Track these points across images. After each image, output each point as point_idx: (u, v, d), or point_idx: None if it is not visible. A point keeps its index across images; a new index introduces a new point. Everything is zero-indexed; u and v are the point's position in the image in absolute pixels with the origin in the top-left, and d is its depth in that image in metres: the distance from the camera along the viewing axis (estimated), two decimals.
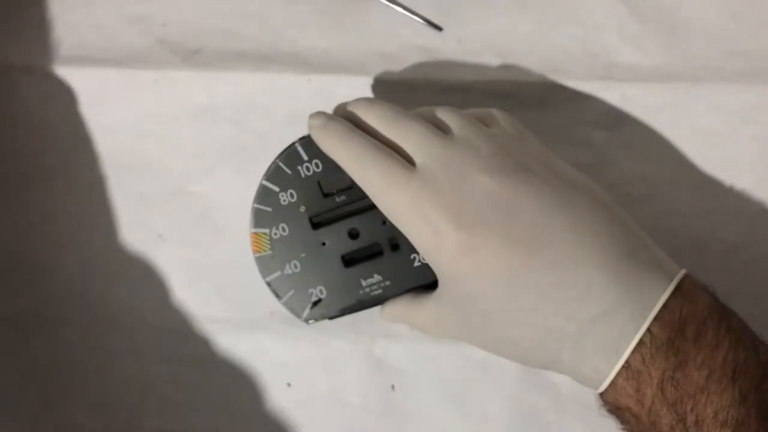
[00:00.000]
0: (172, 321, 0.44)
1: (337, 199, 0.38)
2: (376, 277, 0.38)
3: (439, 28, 0.42)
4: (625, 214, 0.35)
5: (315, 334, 0.43)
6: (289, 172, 0.38)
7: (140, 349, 0.44)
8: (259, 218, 0.38)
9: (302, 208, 0.38)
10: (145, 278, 0.44)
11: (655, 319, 0.31)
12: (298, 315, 0.39)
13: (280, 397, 0.43)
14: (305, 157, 0.38)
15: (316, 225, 0.38)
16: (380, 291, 0.38)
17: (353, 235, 0.38)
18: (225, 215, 0.43)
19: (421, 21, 0.41)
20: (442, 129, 0.35)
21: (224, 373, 0.43)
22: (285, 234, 0.38)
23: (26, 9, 0.44)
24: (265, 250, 0.38)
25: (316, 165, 0.38)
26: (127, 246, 0.44)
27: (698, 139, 0.42)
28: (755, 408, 0.30)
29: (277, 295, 0.39)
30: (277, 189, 0.38)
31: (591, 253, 0.32)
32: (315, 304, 0.38)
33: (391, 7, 0.42)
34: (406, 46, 0.42)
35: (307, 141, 0.38)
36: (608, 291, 0.31)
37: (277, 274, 0.38)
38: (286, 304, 0.39)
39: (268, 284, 0.39)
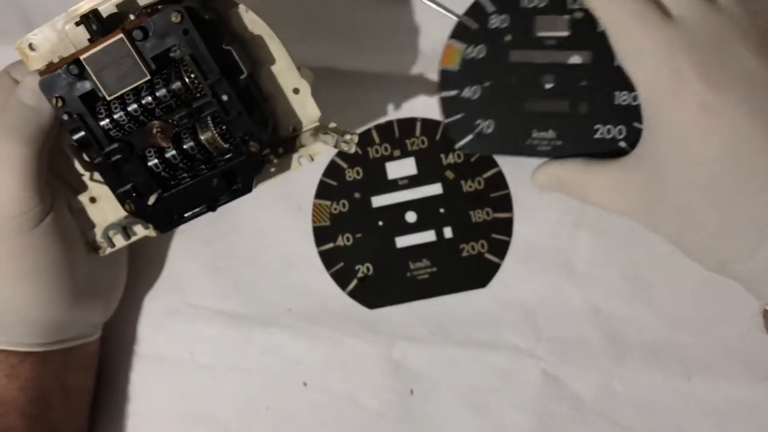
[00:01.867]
0: (188, 314, 0.43)
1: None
2: (551, 133, 0.36)
3: (458, 16, 0.40)
4: None
5: (333, 334, 0.42)
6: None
7: (154, 339, 0.43)
8: (460, 31, 0.37)
9: (508, 37, 0.36)
10: (162, 269, 0.43)
11: None
12: (456, 139, 0.37)
13: (295, 396, 0.42)
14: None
15: (513, 57, 0.36)
16: (549, 148, 0.36)
17: (547, 79, 0.36)
18: (245, 210, 0.43)
19: (441, 9, 0.40)
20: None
21: (239, 368, 0.43)
22: (479, 57, 0.37)
23: None
24: (453, 65, 0.37)
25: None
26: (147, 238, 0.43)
27: None
28: None
29: (444, 114, 0.37)
30: (492, 9, 0.37)
31: None
32: (478, 135, 0.37)
33: (426, 3, 0.41)
34: (440, 43, 0.41)
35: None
36: None
37: (454, 92, 0.37)
38: (450, 126, 0.37)
39: (441, 98, 0.37)
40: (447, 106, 0.37)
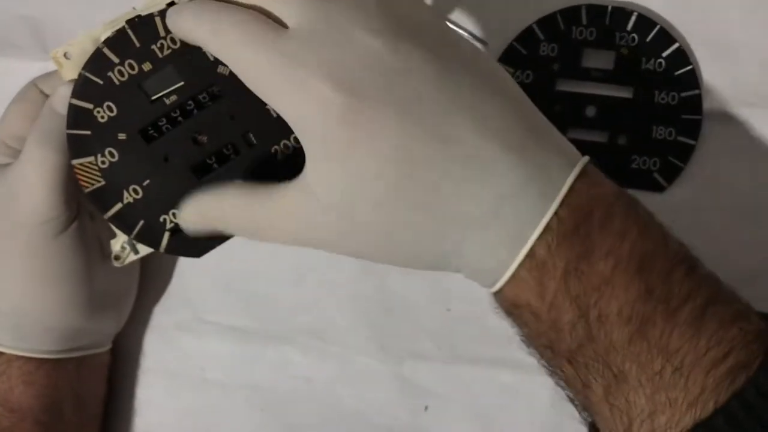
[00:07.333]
0: (198, 329, 0.43)
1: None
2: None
3: (484, 43, 0.41)
4: (527, 97, 0.30)
5: (343, 351, 0.42)
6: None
7: (164, 354, 0.43)
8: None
9: (555, 66, 0.35)
10: (173, 284, 0.44)
11: (562, 202, 0.28)
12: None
13: (305, 414, 0.42)
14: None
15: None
16: None
17: (589, 110, 0.35)
18: None
19: (467, 34, 0.41)
20: None
21: (249, 385, 0.43)
22: (526, 82, 0.35)
23: None
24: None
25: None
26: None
27: (751, 168, 0.39)
28: (661, 304, 0.27)
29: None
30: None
31: (494, 129, 0.28)
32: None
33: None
34: None
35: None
36: (513, 170, 0.28)
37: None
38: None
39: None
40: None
